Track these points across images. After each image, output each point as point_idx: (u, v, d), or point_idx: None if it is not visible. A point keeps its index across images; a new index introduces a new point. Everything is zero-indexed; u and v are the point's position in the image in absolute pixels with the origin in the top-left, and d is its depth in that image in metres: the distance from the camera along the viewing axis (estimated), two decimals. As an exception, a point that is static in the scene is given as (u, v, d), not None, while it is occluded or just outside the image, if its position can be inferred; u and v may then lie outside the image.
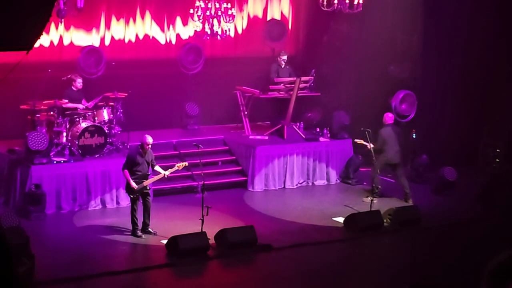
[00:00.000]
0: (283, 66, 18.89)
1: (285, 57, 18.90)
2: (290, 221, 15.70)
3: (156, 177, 14.43)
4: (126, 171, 14.21)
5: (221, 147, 18.48)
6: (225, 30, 16.81)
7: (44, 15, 7.88)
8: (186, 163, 14.72)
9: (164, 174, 14.40)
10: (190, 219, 14.62)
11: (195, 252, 13.48)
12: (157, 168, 14.47)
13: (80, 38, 18.33)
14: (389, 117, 17.08)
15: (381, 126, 16.93)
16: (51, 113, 16.16)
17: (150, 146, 14.27)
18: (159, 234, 14.30)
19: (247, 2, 20.33)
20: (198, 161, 15.20)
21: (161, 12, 19.23)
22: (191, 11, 16.67)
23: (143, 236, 14.29)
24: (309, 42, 20.98)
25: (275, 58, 19.12)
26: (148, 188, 14.41)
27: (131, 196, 14.30)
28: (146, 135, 14.37)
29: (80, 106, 16.53)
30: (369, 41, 19.40)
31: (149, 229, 14.43)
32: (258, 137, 18.53)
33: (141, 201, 14.35)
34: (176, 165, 14.54)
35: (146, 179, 14.26)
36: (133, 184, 14.10)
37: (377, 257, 14.11)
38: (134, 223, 14.34)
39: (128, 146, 16.64)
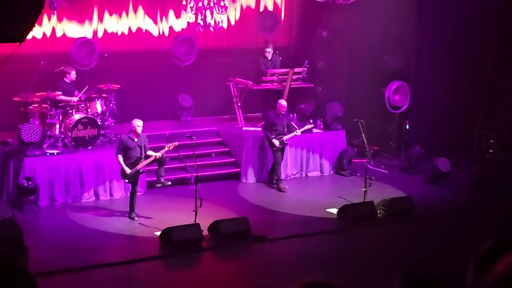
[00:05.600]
0: (269, 58, 18.84)
1: (269, 50, 18.84)
2: (283, 212, 15.72)
3: (147, 160, 14.51)
4: (119, 156, 14.35)
5: (215, 139, 18.46)
6: (218, 22, 16.76)
7: (36, 6, 7.85)
8: (176, 143, 14.81)
9: (156, 156, 14.50)
10: (183, 211, 14.63)
11: (188, 244, 13.49)
12: (149, 152, 14.59)
13: (72, 30, 18.25)
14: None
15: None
16: (44, 105, 16.14)
17: (140, 128, 14.39)
18: (151, 226, 14.35)
19: (239, -7, 20.28)
20: (192, 152, 15.22)
21: (154, 5, 19.17)
22: (184, 2, 16.62)
23: (135, 218, 14.55)
24: (302, 33, 20.93)
25: (261, 51, 19.02)
26: (141, 171, 14.58)
27: (126, 181, 14.47)
28: (135, 119, 14.54)
29: (74, 99, 16.48)
30: (363, 32, 19.35)
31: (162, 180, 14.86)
32: (251, 128, 18.53)
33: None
34: (166, 145, 14.72)
35: (139, 163, 14.37)
36: (126, 169, 14.22)
37: (371, 248, 14.12)
38: (131, 207, 14.58)
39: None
